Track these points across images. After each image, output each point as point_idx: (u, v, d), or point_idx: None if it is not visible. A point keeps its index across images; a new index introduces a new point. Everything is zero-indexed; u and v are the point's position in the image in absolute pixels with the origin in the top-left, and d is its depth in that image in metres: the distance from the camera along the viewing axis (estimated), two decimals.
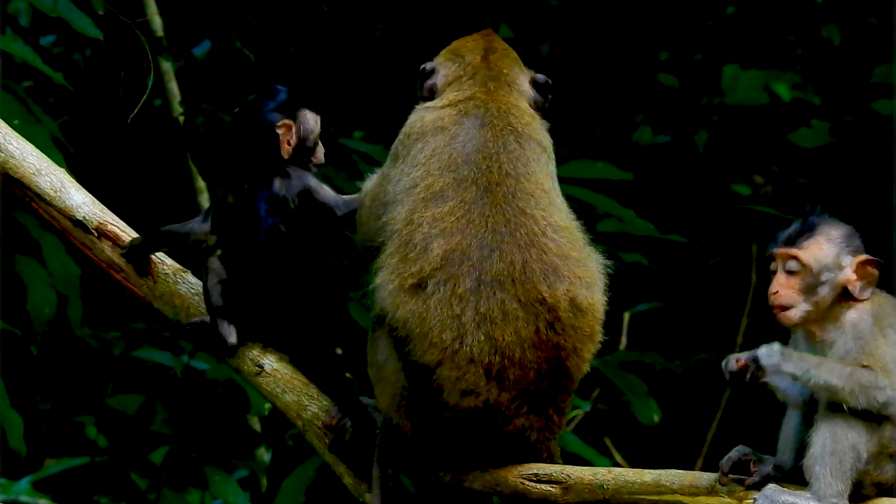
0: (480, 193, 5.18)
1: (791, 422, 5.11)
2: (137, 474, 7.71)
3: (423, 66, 5.48)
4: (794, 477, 5.00)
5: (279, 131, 5.46)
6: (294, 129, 5.48)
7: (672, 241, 8.35)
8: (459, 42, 5.52)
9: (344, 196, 5.55)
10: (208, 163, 8.17)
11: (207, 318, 5.46)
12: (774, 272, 5.06)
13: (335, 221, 5.50)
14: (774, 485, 4.95)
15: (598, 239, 5.35)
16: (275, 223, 5.40)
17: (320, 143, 5.59)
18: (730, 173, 10.38)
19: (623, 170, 8.03)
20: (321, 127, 5.59)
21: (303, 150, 5.52)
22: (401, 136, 5.37)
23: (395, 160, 5.33)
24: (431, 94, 5.44)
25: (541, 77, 5.51)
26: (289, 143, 5.48)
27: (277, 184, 5.45)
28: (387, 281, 5.14)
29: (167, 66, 8.38)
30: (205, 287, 5.44)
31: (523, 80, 5.47)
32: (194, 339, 5.54)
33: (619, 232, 7.89)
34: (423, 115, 5.36)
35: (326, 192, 5.52)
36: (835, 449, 4.89)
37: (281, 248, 5.39)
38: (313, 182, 5.51)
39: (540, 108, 5.47)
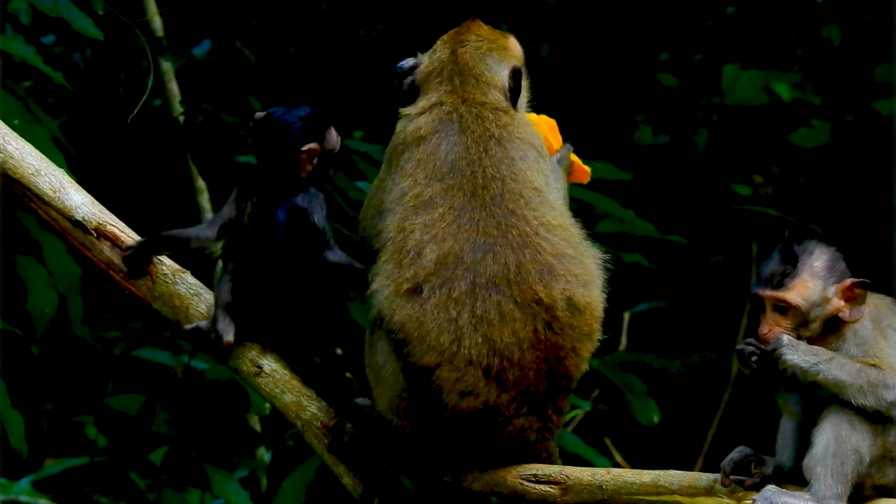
0: (468, 198, 5.17)
1: (789, 422, 5.11)
2: (137, 474, 7.70)
3: (399, 65, 5.48)
4: (795, 477, 5.00)
5: (304, 155, 5.45)
6: (319, 150, 5.47)
7: (672, 242, 8.35)
8: (444, 35, 5.52)
9: (341, 253, 5.52)
10: (208, 163, 8.17)
11: (204, 324, 5.43)
12: (762, 311, 5.06)
13: (322, 256, 5.49)
14: (773, 486, 4.95)
15: (597, 239, 5.35)
16: (291, 233, 5.40)
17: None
18: (730, 173, 10.39)
19: (623, 170, 8.03)
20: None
21: (325, 164, 5.51)
22: (390, 145, 5.38)
23: (388, 168, 5.35)
24: (414, 91, 5.43)
25: (517, 66, 5.44)
26: (311, 164, 5.47)
27: (299, 197, 5.45)
28: (383, 286, 5.15)
29: (167, 66, 8.37)
30: (216, 287, 5.44)
31: (496, 71, 5.42)
32: (192, 343, 5.53)
33: (619, 232, 7.89)
34: (405, 126, 5.36)
35: (324, 223, 5.50)
36: (837, 451, 4.89)
37: (294, 258, 5.39)
38: (319, 210, 5.50)
39: (515, 99, 5.42)
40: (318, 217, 5.48)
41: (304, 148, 5.46)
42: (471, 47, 5.42)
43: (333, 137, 5.54)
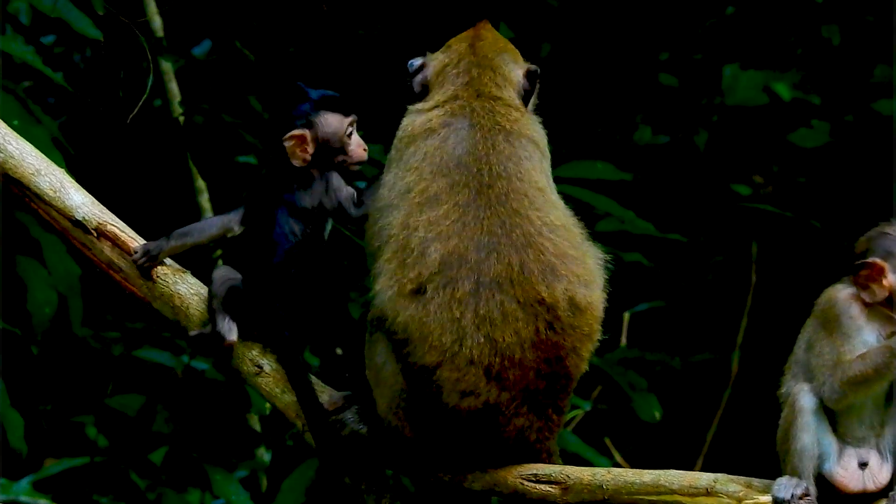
0: (473, 196, 5.17)
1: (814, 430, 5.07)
2: (137, 474, 7.71)
3: (410, 62, 5.47)
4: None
5: (286, 143, 5.41)
6: (310, 137, 5.42)
7: (672, 241, 8.35)
8: (455, 37, 5.52)
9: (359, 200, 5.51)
10: (208, 163, 8.17)
11: (208, 330, 5.42)
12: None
13: (349, 221, 5.47)
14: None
15: (597, 239, 5.35)
16: (292, 232, 5.38)
17: (353, 141, 5.48)
18: (730, 173, 10.39)
19: (623, 170, 8.03)
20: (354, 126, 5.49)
21: (328, 152, 5.45)
22: (395, 140, 5.36)
23: (391, 165, 5.33)
24: (424, 90, 5.42)
25: (533, 67, 5.48)
26: (304, 152, 5.42)
27: (300, 193, 5.42)
28: (386, 287, 5.14)
29: (167, 66, 8.37)
30: (210, 292, 5.40)
31: (512, 68, 5.42)
32: (196, 348, 5.52)
33: (619, 232, 7.89)
34: (413, 119, 5.35)
35: (343, 191, 5.47)
36: None
37: (297, 257, 5.37)
38: (336, 181, 5.46)
39: (527, 99, 5.44)
40: (328, 200, 5.43)
41: (288, 135, 5.41)
42: (489, 42, 5.43)
43: (330, 121, 5.45)
